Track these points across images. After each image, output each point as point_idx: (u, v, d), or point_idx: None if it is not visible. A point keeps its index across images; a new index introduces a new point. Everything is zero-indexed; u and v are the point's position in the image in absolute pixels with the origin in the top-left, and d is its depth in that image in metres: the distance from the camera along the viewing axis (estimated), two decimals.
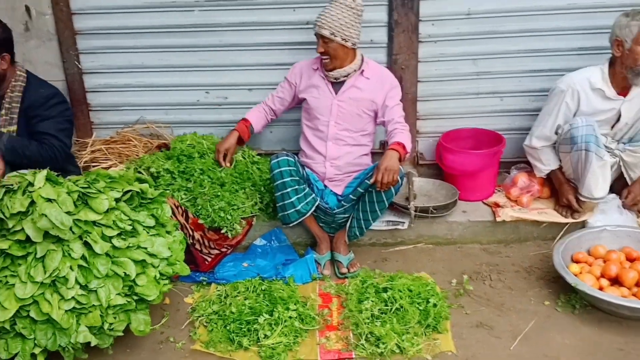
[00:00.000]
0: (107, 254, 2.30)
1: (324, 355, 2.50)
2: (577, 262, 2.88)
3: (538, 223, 3.22)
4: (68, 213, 2.21)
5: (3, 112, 2.83)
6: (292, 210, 2.98)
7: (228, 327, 2.60)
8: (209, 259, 3.07)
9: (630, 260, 2.85)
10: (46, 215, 2.15)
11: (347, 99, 3.09)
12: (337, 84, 3.10)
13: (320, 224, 3.20)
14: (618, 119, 3.10)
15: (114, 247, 2.33)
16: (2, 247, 2.19)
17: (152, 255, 2.43)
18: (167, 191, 3.04)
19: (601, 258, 2.88)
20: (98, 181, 2.40)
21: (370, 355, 2.47)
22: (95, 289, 2.24)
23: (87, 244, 2.27)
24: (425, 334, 2.56)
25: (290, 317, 2.61)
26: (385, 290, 2.74)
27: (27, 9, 3.42)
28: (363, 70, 3.08)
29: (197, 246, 2.99)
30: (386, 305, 2.66)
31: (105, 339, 2.33)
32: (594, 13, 3.31)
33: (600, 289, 2.67)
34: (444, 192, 3.39)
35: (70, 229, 2.22)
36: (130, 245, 2.38)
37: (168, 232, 2.57)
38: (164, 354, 2.57)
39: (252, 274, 3.00)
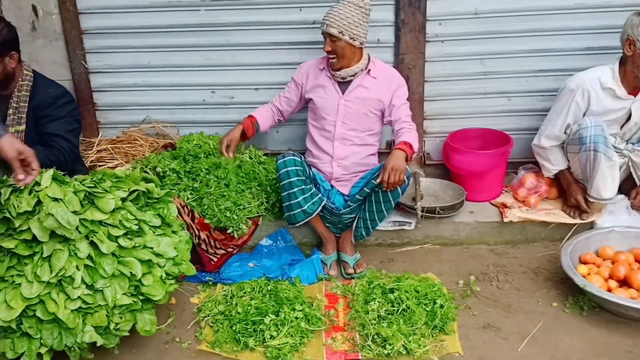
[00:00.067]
0: (113, 254, 2.30)
1: (330, 356, 2.49)
2: (585, 263, 2.86)
3: (546, 224, 3.20)
4: (74, 212, 2.21)
5: (11, 111, 2.84)
6: (299, 210, 2.97)
7: (234, 328, 2.59)
8: (215, 259, 3.07)
9: (639, 261, 2.83)
10: (53, 215, 2.15)
11: (353, 98, 3.08)
12: (343, 84, 3.09)
13: (327, 224, 3.19)
14: (628, 119, 3.08)
15: (120, 247, 2.33)
16: (9, 246, 2.19)
17: (158, 255, 2.43)
18: (173, 191, 3.03)
19: (609, 259, 2.87)
20: (104, 181, 2.40)
21: (376, 356, 2.46)
22: (101, 288, 2.24)
23: (93, 244, 2.27)
24: (432, 335, 2.54)
25: (296, 318, 2.60)
26: (392, 291, 2.73)
27: (34, 8, 3.43)
28: (370, 70, 3.07)
29: (203, 246, 2.99)
30: (393, 306, 2.65)
31: (111, 338, 2.33)
32: (602, 13, 3.29)
33: (609, 290, 2.65)
34: (451, 193, 3.37)
35: (77, 228, 2.22)
36: (137, 245, 2.38)
37: (174, 232, 2.57)
38: (169, 354, 2.56)
39: (258, 274, 2.99)
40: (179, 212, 2.85)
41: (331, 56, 2.99)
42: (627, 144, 3.16)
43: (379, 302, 2.67)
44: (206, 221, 3.02)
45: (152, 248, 2.42)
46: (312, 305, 2.74)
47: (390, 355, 2.44)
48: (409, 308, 2.61)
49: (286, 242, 3.27)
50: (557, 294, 2.83)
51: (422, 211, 3.09)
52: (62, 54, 3.54)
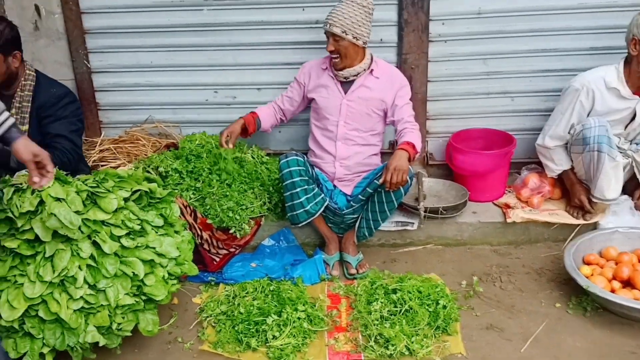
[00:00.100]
0: (115, 254, 2.29)
1: (333, 357, 2.48)
2: (588, 264, 2.86)
3: (549, 224, 3.19)
4: (77, 212, 2.21)
5: (13, 111, 2.83)
6: (301, 210, 2.96)
7: (236, 328, 2.59)
8: (217, 259, 3.06)
9: None
10: (55, 215, 2.14)
11: (356, 98, 3.07)
12: (346, 84, 3.09)
13: (329, 225, 3.18)
14: (632, 119, 3.07)
15: (123, 247, 2.33)
16: (11, 246, 2.19)
17: (160, 255, 2.43)
18: (176, 191, 3.03)
19: (613, 260, 2.86)
20: (107, 180, 2.40)
21: (379, 356, 2.45)
22: (103, 288, 2.24)
23: (95, 244, 2.27)
24: (435, 336, 2.54)
25: (298, 318, 2.60)
26: (394, 291, 2.73)
27: (37, 8, 3.43)
28: (372, 70, 3.07)
29: (206, 246, 2.99)
30: (395, 306, 2.64)
31: (113, 338, 2.33)
32: (605, 12, 3.28)
33: (612, 291, 2.65)
34: (453, 193, 3.37)
35: (79, 228, 2.21)
36: (139, 245, 2.38)
37: (176, 232, 2.57)
38: (172, 354, 2.56)
39: (261, 274, 2.99)
40: (182, 212, 2.85)
41: (334, 56, 2.99)
42: (631, 144, 3.15)
43: (381, 302, 2.67)
44: (209, 221, 3.02)
45: (154, 248, 2.42)
46: (315, 306, 2.73)
47: (393, 355, 2.43)
48: (411, 309, 2.61)
49: (289, 242, 3.27)
50: (561, 295, 2.82)
51: (425, 211, 3.08)
52: (65, 54, 3.55)
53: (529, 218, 3.18)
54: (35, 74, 2.90)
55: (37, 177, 1.99)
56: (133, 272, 2.30)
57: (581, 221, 3.14)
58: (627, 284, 2.70)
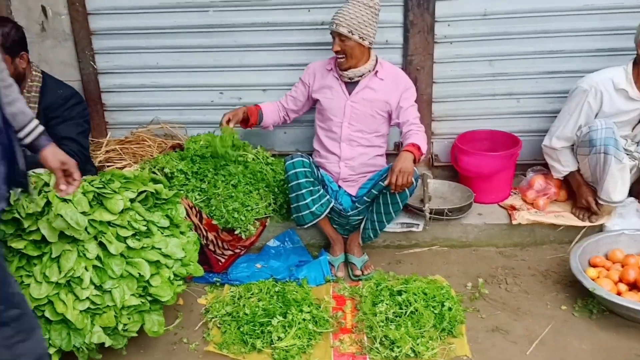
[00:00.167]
0: (121, 255, 2.30)
1: (338, 358, 2.48)
2: (594, 266, 2.85)
3: (555, 226, 3.18)
4: (83, 213, 2.22)
5: None
6: (307, 211, 2.96)
7: (241, 329, 2.59)
8: (223, 260, 3.07)
9: None
10: (61, 216, 2.15)
11: (360, 99, 3.07)
12: (350, 85, 3.09)
13: (335, 226, 3.18)
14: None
15: (129, 248, 2.33)
16: (18, 247, 2.20)
17: (166, 256, 2.44)
18: (181, 192, 3.03)
19: (619, 262, 2.84)
20: (113, 181, 2.40)
21: (384, 358, 2.45)
22: (109, 289, 2.25)
23: (101, 245, 2.28)
24: (441, 338, 2.54)
25: (303, 320, 2.60)
26: (399, 293, 2.72)
27: (43, 9, 3.44)
28: (377, 71, 3.07)
29: (211, 247, 2.99)
30: (401, 308, 2.64)
31: (119, 339, 2.34)
32: (612, 14, 3.27)
33: (619, 293, 2.64)
34: (459, 194, 3.36)
35: (86, 229, 2.22)
36: (145, 245, 2.38)
37: (182, 233, 2.58)
38: (177, 355, 2.57)
39: (266, 275, 2.99)
40: (187, 213, 2.85)
41: (339, 56, 2.98)
42: (637, 146, 3.14)
43: (386, 304, 2.67)
44: (214, 222, 3.02)
45: (160, 249, 2.43)
46: (320, 307, 2.73)
47: (398, 358, 2.43)
48: (417, 310, 2.60)
49: (294, 243, 3.27)
50: (566, 297, 2.81)
51: (430, 213, 3.08)
52: (71, 55, 3.56)
53: (535, 220, 3.17)
54: (41, 75, 2.91)
55: (64, 184, 1.99)
56: (139, 273, 2.31)
57: (587, 223, 3.13)
58: (634, 286, 2.69)
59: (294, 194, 2.96)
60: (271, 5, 3.38)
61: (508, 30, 3.34)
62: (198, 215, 2.98)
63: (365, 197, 3.01)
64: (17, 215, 2.20)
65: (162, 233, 2.48)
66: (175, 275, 2.45)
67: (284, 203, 3.23)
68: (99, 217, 2.27)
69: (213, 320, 2.72)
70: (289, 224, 3.26)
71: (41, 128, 1.99)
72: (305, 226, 3.04)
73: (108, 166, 3.43)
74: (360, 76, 3.05)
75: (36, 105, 2.84)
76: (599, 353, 2.47)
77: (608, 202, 3.02)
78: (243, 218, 3.06)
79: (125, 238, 2.33)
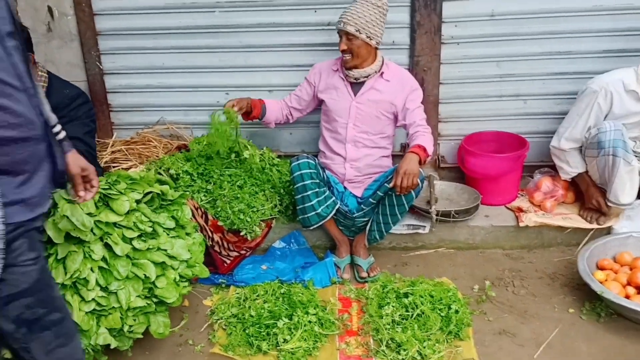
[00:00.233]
0: (127, 256, 2.29)
1: None
2: (602, 269, 2.83)
3: (562, 228, 3.16)
4: (89, 214, 2.21)
5: None
6: (313, 213, 2.95)
7: (247, 331, 2.58)
8: (228, 261, 3.06)
9: None
10: (67, 217, 2.14)
11: (365, 101, 3.06)
12: (356, 86, 3.07)
13: (340, 227, 3.17)
14: None
15: (134, 249, 2.33)
16: None
17: (171, 257, 2.43)
18: (187, 193, 3.03)
19: (627, 265, 2.82)
20: (119, 182, 2.40)
21: None
22: (115, 290, 2.24)
23: (107, 246, 2.27)
24: (447, 341, 2.52)
25: (309, 322, 2.58)
26: (406, 295, 2.71)
27: (50, 9, 3.44)
28: (383, 73, 3.05)
29: (216, 248, 2.99)
30: (407, 310, 2.63)
31: (124, 341, 2.33)
32: (620, 15, 3.25)
33: (627, 297, 2.62)
34: (465, 196, 3.35)
35: (91, 230, 2.22)
36: (151, 247, 2.38)
37: (188, 234, 2.57)
38: (182, 357, 2.56)
39: (271, 277, 2.98)
40: (193, 214, 2.84)
41: (346, 55, 2.97)
42: None
43: (393, 306, 2.65)
44: (219, 223, 3.02)
45: (166, 250, 2.42)
46: (326, 309, 2.72)
47: None
48: (423, 313, 2.59)
49: (299, 244, 3.26)
50: (574, 300, 2.79)
51: (437, 215, 3.06)
52: (78, 55, 3.56)
53: (542, 222, 3.15)
54: (47, 76, 2.91)
55: (82, 191, 1.99)
56: (144, 275, 2.30)
57: (595, 225, 3.11)
58: None
59: (299, 196, 2.95)
60: (277, 5, 3.37)
61: (516, 31, 3.32)
62: (204, 216, 2.97)
63: (370, 199, 3.00)
64: None
65: (168, 234, 2.47)
66: (180, 276, 2.44)
67: (289, 204, 3.22)
68: (104, 218, 2.27)
69: (218, 321, 2.72)
70: (294, 225, 3.25)
71: (64, 133, 1.98)
72: (311, 228, 3.03)
73: (114, 166, 3.43)
74: (366, 77, 3.04)
75: None
76: (607, 356, 2.45)
77: (616, 205, 3.00)
78: (249, 219, 3.06)
79: (131, 239, 2.33)
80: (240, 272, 3.05)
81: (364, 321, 2.67)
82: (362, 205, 3.06)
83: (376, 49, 3.00)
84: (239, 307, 2.76)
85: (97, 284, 2.22)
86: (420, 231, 3.21)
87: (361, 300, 2.83)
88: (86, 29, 3.48)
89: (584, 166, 3.15)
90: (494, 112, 3.52)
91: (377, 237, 3.07)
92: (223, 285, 3.00)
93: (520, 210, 3.25)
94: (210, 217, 3.00)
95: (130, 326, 2.30)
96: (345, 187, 3.18)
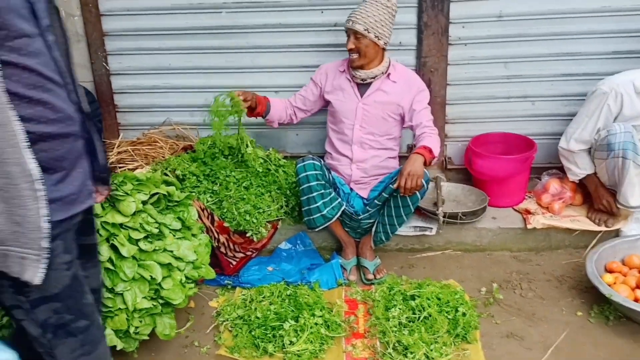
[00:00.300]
0: (133, 257, 2.29)
1: None
2: (610, 271, 2.80)
3: (570, 231, 3.14)
4: (95, 215, 2.20)
5: None
6: (318, 214, 2.94)
7: (253, 333, 2.57)
8: (234, 263, 3.05)
9: None
10: None
11: (372, 102, 3.04)
12: (362, 87, 3.06)
13: (346, 229, 3.16)
14: None
15: (141, 250, 2.32)
16: None
17: (178, 258, 2.43)
18: (193, 194, 3.03)
19: (636, 268, 2.80)
20: (125, 183, 2.39)
21: None
22: (121, 292, 2.23)
23: (113, 247, 2.26)
24: (454, 344, 2.50)
25: (316, 324, 2.57)
26: (413, 297, 2.69)
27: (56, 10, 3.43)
28: (389, 74, 3.04)
29: (222, 249, 2.98)
30: (414, 313, 2.61)
31: (130, 342, 2.33)
32: (629, 16, 3.22)
33: (636, 300, 2.59)
34: (473, 198, 3.33)
35: (98, 231, 2.21)
36: (157, 248, 2.37)
37: (194, 235, 2.57)
38: (188, 359, 2.55)
39: (277, 278, 2.97)
40: (199, 215, 2.84)
41: (353, 55, 2.96)
42: None
43: (399, 309, 2.64)
44: (225, 224, 3.01)
45: (172, 251, 2.41)
46: (332, 311, 2.71)
47: None
48: (430, 315, 2.57)
49: (305, 246, 3.25)
50: (582, 303, 2.77)
51: (444, 216, 3.04)
52: (84, 56, 3.56)
53: (550, 224, 3.13)
54: None
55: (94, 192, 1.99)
56: (150, 276, 2.30)
57: (603, 228, 3.09)
58: None
59: (305, 197, 2.94)
60: (284, 6, 3.36)
61: (523, 32, 3.30)
62: (210, 217, 2.97)
63: (376, 200, 2.99)
64: None
65: (174, 235, 2.47)
66: (186, 277, 2.44)
67: (295, 205, 3.21)
68: (111, 219, 2.26)
69: (224, 323, 2.71)
70: (300, 226, 3.24)
71: None
72: (317, 229, 3.03)
73: (120, 167, 3.43)
74: (373, 78, 3.02)
75: None
76: None
77: (625, 207, 2.98)
78: (255, 220, 3.05)
79: (137, 240, 2.32)
80: (246, 274, 3.04)
81: (371, 323, 2.66)
82: (367, 207, 3.05)
83: (383, 49, 2.99)
84: (244, 308, 2.75)
85: (104, 285, 2.21)
86: (427, 233, 3.19)
87: (368, 303, 2.82)
88: (93, 30, 3.48)
89: (592, 168, 3.13)
90: (502, 114, 3.50)
91: (383, 238, 3.06)
92: (229, 287, 3.00)
93: (528, 212, 3.23)
94: (216, 218, 2.99)
95: (136, 327, 2.30)
96: (351, 189, 3.17)
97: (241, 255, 3.08)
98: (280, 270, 3.07)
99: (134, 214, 2.32)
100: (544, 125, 3.50)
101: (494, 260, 3.15)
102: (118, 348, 2.25)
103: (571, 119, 3.17)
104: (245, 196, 3.07)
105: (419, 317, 2.58)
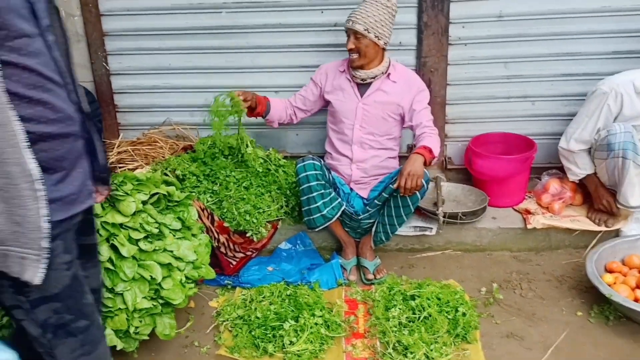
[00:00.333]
0: (133, 257, 2.29)
1: None
2: (610, 271, 2.80)
3: (570, 231, 3.14)
4: (95, 215, 2.20)
5: None
6: (318, 214, 2.94)
7: (253, 333, 2.57)
8: (234, 263, 3.05)
9: None
10: None
11: (372, 102, 3.04)
12: (362, 87, 3.06)
13: (346, 229, 3.16)
14: None
15: (141, 250, 2.32)
16: None
17: (178, 258, 2.43)
18: (193, 194, 3.02)
19: (636, 268, 2.80)
20: (125, 183, 2.39)
21: None
22: (121, 292, 2.23)
23: (113, 247, 2.26)
24: (454, 344, 2.50)
25: (316, 324, 2.57)
26: (413, 297, 2.69)
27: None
28: (389, 74, 3.04)
29: (222, 249, 2.98)
30: (414, 313, 2.61)
31: (130, 342, 2.33)
32: (629, 16, 3.22)
33: (636, 300, 2.59)
34: (473, 198, 3.33)
35: (98, 231, 2.21)
36: (157, 248, 2.37)
37: (194, 235, 2.56)
38: (188, 359, 2.55)
39: (277, 278, 2.97)
40: (199, 215, 2.84)
41: (353, 54, 2.96)
42: None
43: (399, 309, 2.64)
44: (225, 224, 3.01)
45: (172, 251, 2.41)
46: (332, 311, 2.71)
47: None
48: (430, 315, 2.57)
49: (305, 246, 3.25)
50: (582, 303, 2.77)
51: (444, 216, 3.04)
52: (84, 56, 3.56)
53: (550, 224, 3.13)
54: None
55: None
56: (151, 276, 2.30)
57: (603, 228, 3.09)
58: None
59: (305, 197, 2.94)
60: (284, 6, 3.36)
61: (523, 32, 3.30)
62: (210, 217, 2.97)
63: (376, 200, 2.99)
64: None
65: (174, 235, 2.47)
66: (186, 277, 2.44)
67: (295, 205, 3.21)
68: (111, 219, 2.26)
69: (224, 323, 2.71)
70: (300, 226, 3.24)
71: None
72: (317, 229, 3.03)
73: (120, 167, 3.43)
74: (373, 78, 3.02)
75: None
76: None
77: (625, 207, 2.97)
78: (255, 220, 3.05)
79: (137, 240, 2.32)
80: (246, 274, 3.04)
81: (371, 323, 2.66)
82: (367, 207, 3.05)
83: (384, 49, 2.99)
84: (244, 308, 2.75)
85: (103, 285, 2.21)
86: (427, 233, 3.19)
87: (368, 303, 2.82)
88: (93, 30, 3.48)
89: (592, 168, 3.13)
90: (502, 114, 3.50)
91: (383, 238, 3.06)
92: (229, 287, 3.00)
93: (527, 212, 3.23)
94: (216, 218, 2.99)
95: (136, 327, 2.30)
96: (351, 189, 3.17)
97: (241, 255, 3.08)
98: (280, 270, 3.07)
99: (134, 214, 2.32)
100: (544, 125, 3.50)
101: (494, 260, 3.15)
102: (118, 348, 2.25)
103: (571, 119, 3.17)
104: (245, 196, 3.07)
105: (419, 317, 2.58)
